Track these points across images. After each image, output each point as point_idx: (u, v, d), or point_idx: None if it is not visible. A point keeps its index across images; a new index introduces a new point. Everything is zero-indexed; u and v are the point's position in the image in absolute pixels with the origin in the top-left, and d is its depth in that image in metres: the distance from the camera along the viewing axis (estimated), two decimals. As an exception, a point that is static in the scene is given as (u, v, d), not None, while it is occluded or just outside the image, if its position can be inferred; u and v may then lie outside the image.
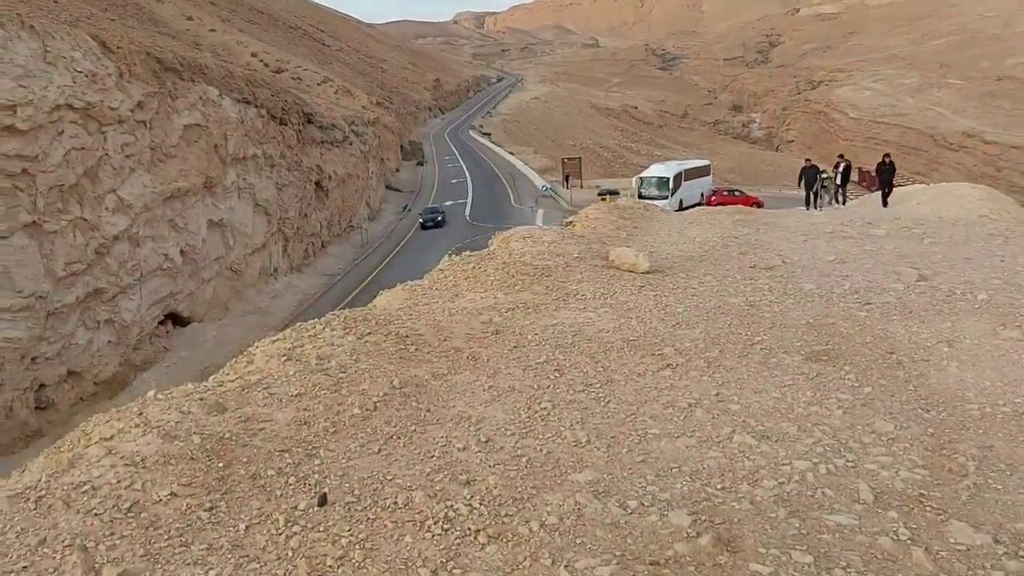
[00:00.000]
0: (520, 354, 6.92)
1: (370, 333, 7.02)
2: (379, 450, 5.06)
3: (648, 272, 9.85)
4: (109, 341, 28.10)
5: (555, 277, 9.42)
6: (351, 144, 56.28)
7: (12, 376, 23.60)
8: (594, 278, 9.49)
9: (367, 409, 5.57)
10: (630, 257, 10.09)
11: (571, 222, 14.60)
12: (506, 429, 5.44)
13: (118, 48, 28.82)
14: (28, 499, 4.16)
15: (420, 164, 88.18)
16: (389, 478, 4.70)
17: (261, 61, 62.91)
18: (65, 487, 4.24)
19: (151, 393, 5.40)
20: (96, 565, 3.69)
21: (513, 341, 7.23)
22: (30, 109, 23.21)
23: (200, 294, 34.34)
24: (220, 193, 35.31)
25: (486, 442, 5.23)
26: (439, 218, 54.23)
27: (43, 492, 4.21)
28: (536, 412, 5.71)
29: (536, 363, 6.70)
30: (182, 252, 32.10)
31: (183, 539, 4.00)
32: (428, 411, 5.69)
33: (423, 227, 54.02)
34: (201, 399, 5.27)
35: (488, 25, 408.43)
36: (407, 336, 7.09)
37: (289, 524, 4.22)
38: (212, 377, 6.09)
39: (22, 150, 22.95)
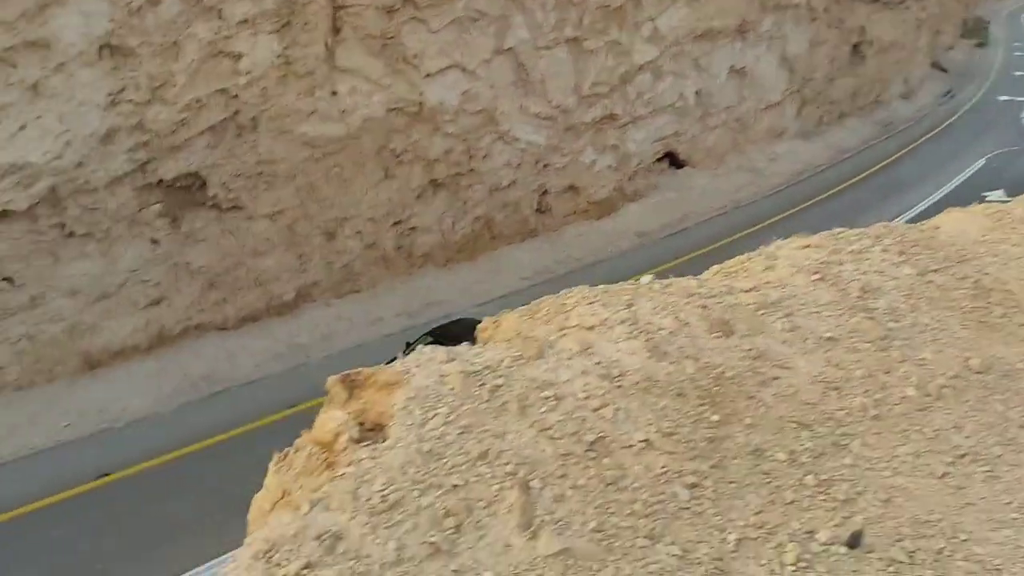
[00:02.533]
0: None
1: (936, 270, 4.97)
2: (953, 482, 3.27)
3: None
4: (609, 166, 29.30)
5: None
6: (907, 8, 48.22)
7: (525, 177, 26.06)
8: None
9: (926, 394, 3.74)
10: None
11: None
12: None
13: None
14: (483, 383, 3.37)
15: (980, 45, 73.24)
16: (967, 533, 2.95)
17: None
18: (526, 384, 3.34)
19: (646, 279, 4.31)
20: (534, 520, 2.79)
21: None
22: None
23: (702, 140, 33.69)
24: (751, 39, 33.20)
25: None
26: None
27: (501, 380, 3.37)
28: None
29: None
30: (697, 93, 31.39)
31: (652, 527, 2.89)
32: (1022, 426, 3.65)
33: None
34: (703, 307, 3.99)
35: None
36: (991, 290, 4.88)
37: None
38: (713, 270, 4.75)
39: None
